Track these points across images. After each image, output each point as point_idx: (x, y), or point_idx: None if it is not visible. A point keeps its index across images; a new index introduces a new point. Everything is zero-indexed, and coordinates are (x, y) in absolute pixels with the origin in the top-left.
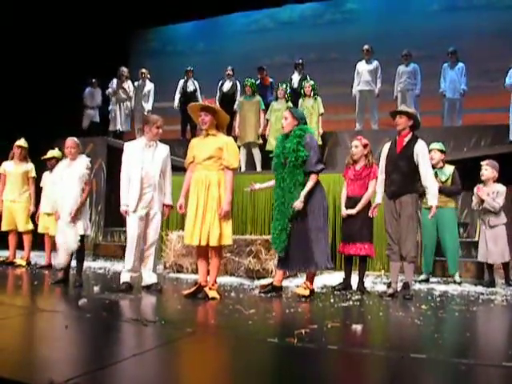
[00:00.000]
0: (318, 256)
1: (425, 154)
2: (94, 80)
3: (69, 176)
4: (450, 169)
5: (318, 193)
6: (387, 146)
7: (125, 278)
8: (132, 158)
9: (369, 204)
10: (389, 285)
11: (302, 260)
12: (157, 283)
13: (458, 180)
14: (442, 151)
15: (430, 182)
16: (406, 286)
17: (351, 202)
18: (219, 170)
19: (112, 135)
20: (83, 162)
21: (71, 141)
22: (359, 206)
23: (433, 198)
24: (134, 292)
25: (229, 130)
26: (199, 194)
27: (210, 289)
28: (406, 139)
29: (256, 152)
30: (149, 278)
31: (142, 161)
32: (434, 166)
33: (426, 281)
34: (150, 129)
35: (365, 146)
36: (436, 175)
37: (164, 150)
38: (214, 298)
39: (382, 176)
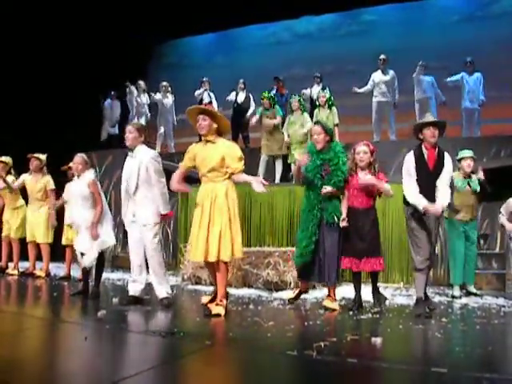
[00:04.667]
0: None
1: (450, 170)
2: (112, 92)
3: (74, 195)
4: (476, 178)
5: None
6: (412, 157)
7: (130, 289)
8: (123, 171)
9: (376, 215)
10: (417, 302)
11: (333, 272)
12: (165, 298)
13: (484, 185)
14: (474, 159)
15: (445, 192)
16: (426, 298)
17: (359, 213)
18: (225, 180)
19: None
20: (86, 179)
21: (78, 157)
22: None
23: (441, 204)
24: (151, 304)
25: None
26: (204, 207)
27: (217, 304)
28: (436, 153)
29: (279, 164)
30: (158, 291)
31: (125, 173)
32: (468, 175)
33: (460, 297)
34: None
35: (372, 152)
36: (469, 185)
37: (142, 158)
38: (217, 315)
39: (414, 184)
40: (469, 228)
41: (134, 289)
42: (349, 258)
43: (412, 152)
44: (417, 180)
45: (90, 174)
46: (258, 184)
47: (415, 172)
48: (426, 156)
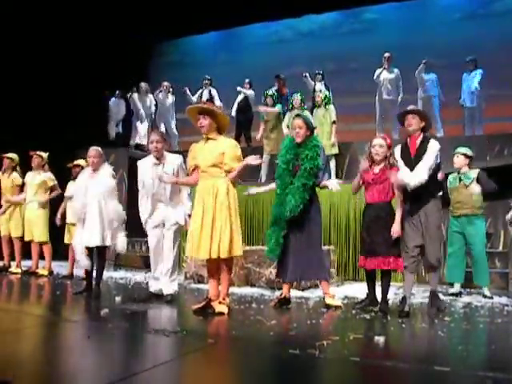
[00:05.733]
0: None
1: (433, 151)
2: (117, 91)
3: (94, 187)
4: (473, 172)
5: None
6: (398, 148)
7: (151, 286)
8: (144, 176)
9: (391, 211)
10: (402, 300)
11: (319, 269)
12: (169, 294)
13: (485, 179)
14: (466, 155)
15: (420, 170)
16: (434, 295)
17: (371, 209)
18: (226, 176)
19: (134, 148)
20: (107, 172)
21: (94, 150)
22: (398, 220)
23: (411, 177)
24: (155, 302)
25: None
26: (206, 203)
27: (220, 303)
28: (418, 141)
29: None
30: (165, 288)
31: (152, 178)
32: (461, 170)
33: (458, 294)
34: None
35: (389, 146)
36: (460, 180)
37: (173, 163)
38: (221, 313)
39: (406, 168)
40: (467, 224)
41: (156, 286)
42: (362, 256)
43: (400, 144)
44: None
45: (109, 168)
46: (253, 159)
47: (401, 161)
48: (409, 144)
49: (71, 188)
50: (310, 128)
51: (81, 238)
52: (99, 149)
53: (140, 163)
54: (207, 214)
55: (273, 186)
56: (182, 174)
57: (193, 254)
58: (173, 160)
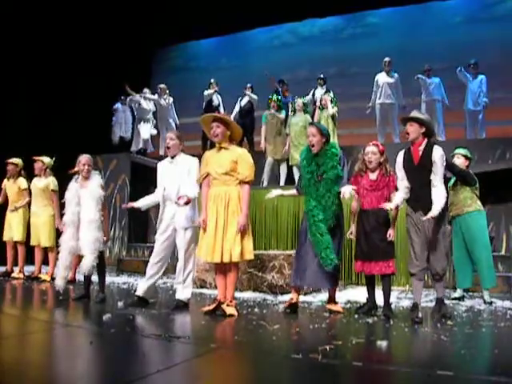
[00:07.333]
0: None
1: (440, 163)
2: (123, 97)
3: (85, 196)
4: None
5: None
6: (401, 155)
7: (138, 289)
8: (160, 176)
9: (387, 217)
10: (414, 307)
11: (333, 275)
12: (180, 300)
13: (469, 173)
14: (466, 157)
15: (439, 192)
16: (441, 303)
17: (369, 215)
18: (238, 184)
19: (136, 153)
20: (97, 181)
21: (87, 158)
22: (393, 226)
23: (436, 210)
24: (158, 307)
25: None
26: (219, 210)
27: (228, 305)
28: (421, 148)
29: (283, 167)
30: (178, 294)
31: (164, 178)
32: None
33: (461, 299)
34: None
35: (382, 152)
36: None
37: (185, 163)
38: (231, 315)
39: (403, 183)
40: (462, 224)
41: (142, 287)
42: (359, 261)
43: (403, 150)
44: (407, 177)
45: (97, 176)
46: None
47: (403, 170)
48: (411, 152)
49: None
50: (326, 135)
51: (72, 247)
52: (89, 156)
53: (159, 164)
54: (220, 220)
55: (294, 191)
56: (194, 173)
57: (207, 259)
58: (187, 161)
